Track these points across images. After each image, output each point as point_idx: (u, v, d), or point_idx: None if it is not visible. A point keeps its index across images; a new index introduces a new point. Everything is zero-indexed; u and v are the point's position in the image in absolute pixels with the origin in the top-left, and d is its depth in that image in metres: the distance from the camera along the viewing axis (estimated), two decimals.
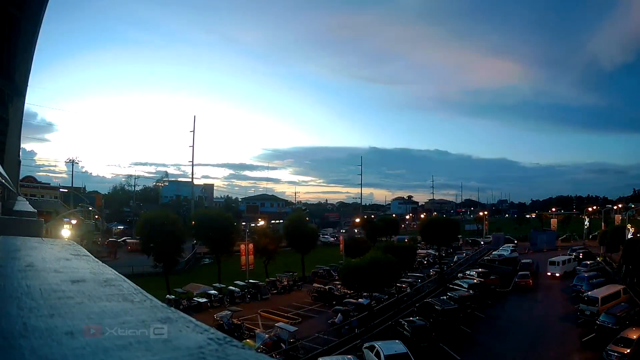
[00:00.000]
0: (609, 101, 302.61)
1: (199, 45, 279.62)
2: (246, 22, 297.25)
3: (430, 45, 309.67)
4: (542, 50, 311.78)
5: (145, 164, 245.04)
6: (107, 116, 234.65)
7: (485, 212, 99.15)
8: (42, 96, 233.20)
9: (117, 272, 2.09)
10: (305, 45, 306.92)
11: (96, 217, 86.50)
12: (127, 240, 72.82)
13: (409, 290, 41.20)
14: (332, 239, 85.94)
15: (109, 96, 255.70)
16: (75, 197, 75.76)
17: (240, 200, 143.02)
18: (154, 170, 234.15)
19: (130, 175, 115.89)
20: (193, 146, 77.97)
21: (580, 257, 57.48)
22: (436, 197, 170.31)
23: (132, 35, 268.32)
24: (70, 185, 79.07)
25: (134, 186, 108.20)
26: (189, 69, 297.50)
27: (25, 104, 10.87)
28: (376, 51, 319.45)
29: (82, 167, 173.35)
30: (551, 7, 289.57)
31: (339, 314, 33.27)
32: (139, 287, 1.76)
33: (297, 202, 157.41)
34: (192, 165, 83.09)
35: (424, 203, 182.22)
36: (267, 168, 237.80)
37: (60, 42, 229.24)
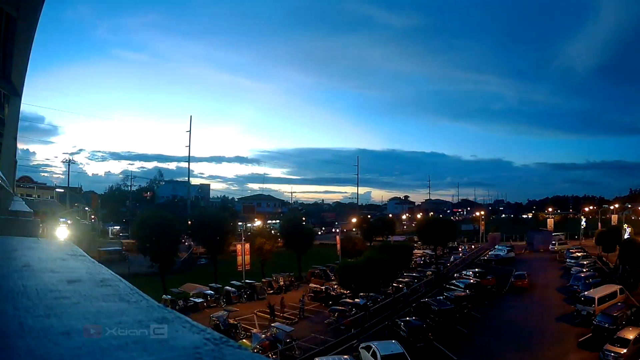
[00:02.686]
0: (597, 104, 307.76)
1: (188, 64, 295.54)
2: (236, 42, 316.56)
3: (413, 59, 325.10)
4: (523, 61, 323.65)
5: (142, 158, 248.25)
6: (107, 120, 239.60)
7: (482, 212, 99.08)
8: (47, 101, 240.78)
9: (113, 272, 2.09)
10: (289, 60, 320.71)
11: (92, 217, 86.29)
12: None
13: (405, 290, 41.24)
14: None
15: (111, 102, 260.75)
16: (72, 197, 75.53)
17: (236, 200, 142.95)
18: (151, 167, 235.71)
19: (127, 176, 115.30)
20: (189, 146, 78.17)
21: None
22: (433, 198, 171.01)
23: (127, 55, 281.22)
24: (67, 185, 78.86)
25: (130, 186, 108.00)
26: (180, 81, 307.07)
27: (22, 105, 10.85)
28: (362, 65, 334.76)
29: (82, 165, 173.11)
30: (524, 23, 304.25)
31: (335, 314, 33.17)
32: (135, 287, 1.76)
33: (294, 202, 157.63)
34: (189, 165, 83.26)
35: (420, 203, 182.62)
36: (261, 163, 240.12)
37: (65, 59, 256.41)
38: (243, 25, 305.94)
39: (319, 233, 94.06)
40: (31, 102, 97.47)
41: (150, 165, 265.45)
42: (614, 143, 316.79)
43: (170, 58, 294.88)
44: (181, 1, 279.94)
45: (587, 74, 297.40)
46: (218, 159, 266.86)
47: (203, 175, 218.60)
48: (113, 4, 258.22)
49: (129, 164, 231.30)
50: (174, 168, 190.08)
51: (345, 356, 24.93)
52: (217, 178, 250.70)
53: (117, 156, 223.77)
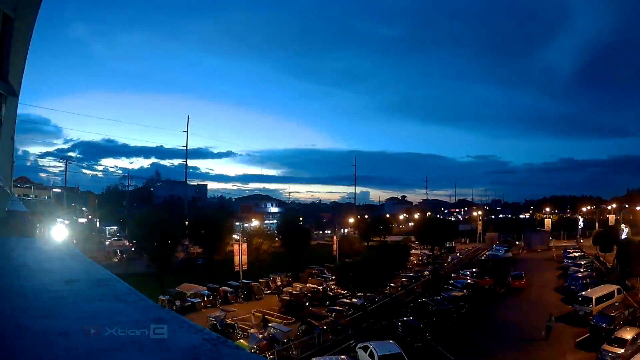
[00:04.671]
0: (593, 106, 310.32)
1: (185, 70, 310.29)
2: (231, 52, 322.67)
3: (403, 66, 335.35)
4: (513, 68, 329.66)
5: (141, 153, 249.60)
6: (107, 120, 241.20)
7: (480, 212, 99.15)
8: (46, 102, 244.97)
9: (110, 272, 2.09)
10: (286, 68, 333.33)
11: (89, 216, 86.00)
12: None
13: (402, 290, 41.22)
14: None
15: (111, 103, 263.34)
16: (69, 197, 75.12)
17: (234, 200, 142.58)
18: (149, 164, 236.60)
19: (125, 175, 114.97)
20: (187, 146, 77.94)
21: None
22: (430, 198, 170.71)
23: (126, 67, 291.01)
24: (64, 185, 78.49)
25: (128, 186, 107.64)
26: (178, 84, 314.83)
27: (20, 106, 10.82)
28: (355, 72, 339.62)
29: (81, 164, 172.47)
30: (508, 31, 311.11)
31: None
32: (132, 288, 1.76)
33: (291, 202, 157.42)
34: (186, 165, 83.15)
35: (417, 203, 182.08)
36: (258, 164, 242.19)
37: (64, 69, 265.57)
38: (238, 37, 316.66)
39: (320, 233, 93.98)
40: (29, 102, 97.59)
41: (147, 162, 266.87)
42: (612, 143, 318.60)
43: (167, 65, 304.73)
44: (181, 14, 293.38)
45: (571, 77, 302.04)
46: (220, 155, 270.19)
47: (210, 174, 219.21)
48: (110, 21, 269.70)
49: (129, 162, 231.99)
50: (174, 165, 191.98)
51: (343, 356, 24.93)
52: (216, 178, 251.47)
53: (115, 154, 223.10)
